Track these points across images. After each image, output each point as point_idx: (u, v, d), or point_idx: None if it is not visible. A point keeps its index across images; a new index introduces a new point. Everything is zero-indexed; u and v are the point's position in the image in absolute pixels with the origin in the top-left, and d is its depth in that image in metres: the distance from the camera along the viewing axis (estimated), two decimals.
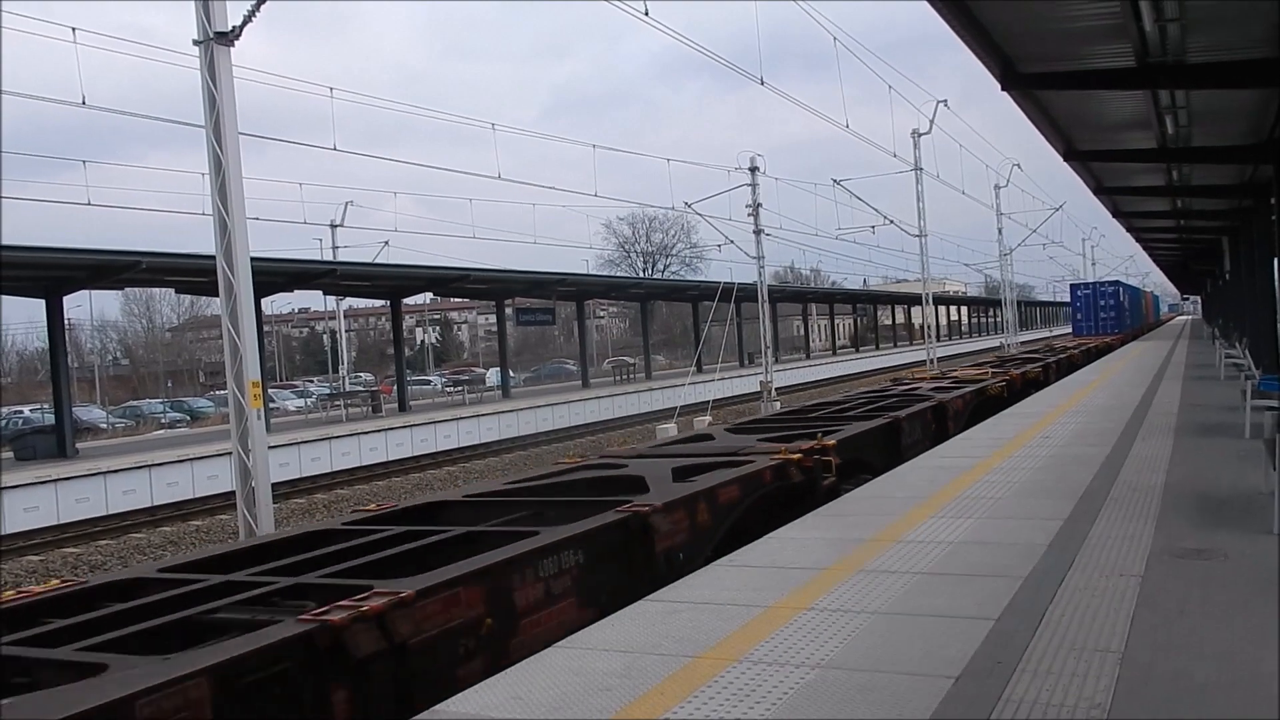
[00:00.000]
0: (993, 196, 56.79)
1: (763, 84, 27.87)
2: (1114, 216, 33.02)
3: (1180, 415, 15.59)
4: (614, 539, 7.16)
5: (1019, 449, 12.73)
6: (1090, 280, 69.61)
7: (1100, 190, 25.02)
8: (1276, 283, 19.26)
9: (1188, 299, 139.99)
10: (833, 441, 11.09)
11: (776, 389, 39.60)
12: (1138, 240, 46.76)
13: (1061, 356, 31.16)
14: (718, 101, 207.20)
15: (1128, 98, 15.18)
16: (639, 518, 7.41)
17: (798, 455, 10.23)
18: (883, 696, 4.57)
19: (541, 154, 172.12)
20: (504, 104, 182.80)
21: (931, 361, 39.12)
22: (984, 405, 17.44)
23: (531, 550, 6.33)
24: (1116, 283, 58.28)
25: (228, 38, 11.13)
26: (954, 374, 23.99)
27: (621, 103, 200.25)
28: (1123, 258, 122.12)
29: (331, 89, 36.73)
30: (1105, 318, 53.57)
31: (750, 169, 38.19)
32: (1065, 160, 19.10)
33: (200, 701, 4.25)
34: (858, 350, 79.39)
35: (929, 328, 46.07)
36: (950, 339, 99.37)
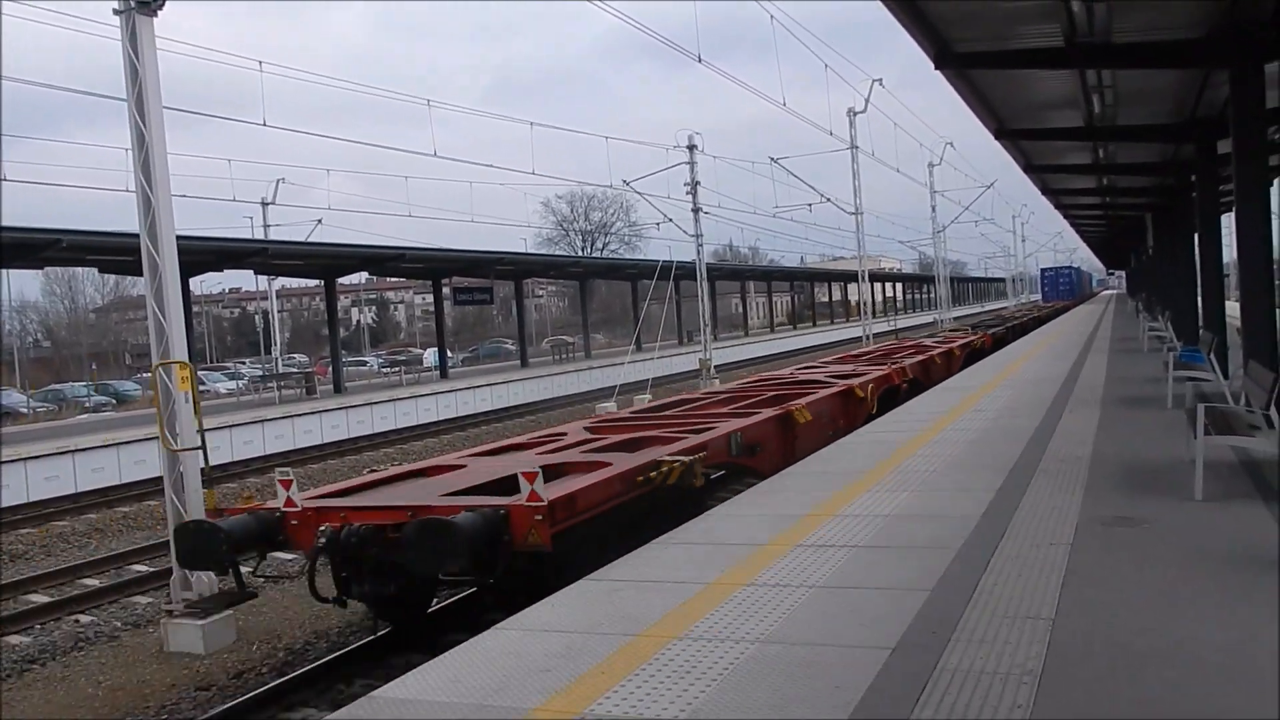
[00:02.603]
0: (927, 175, 57.58)
1: (700, 61, 27.86)
2: (1043, 194, 33.58)
3: (1106, 387, 15.96)
4: None
5: (954, 421, 12.95)
6: (1052, 265, 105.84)
7: (1030, 168, 25.42)
8: (1198, 258, 19.74)
9: (1113, 274, 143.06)
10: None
11: (715, 366, 39.78)
12: (1065, 217, 47.69)
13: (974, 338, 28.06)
14: (661, 83, 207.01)
15: (1057, 77, 15.42)
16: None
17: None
18: (822, 670, 4.63)
19: (481, 133, 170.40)
20: (448, 84, 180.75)
21: (867, 338, 39.56)
22: (888, 396, 16.88)
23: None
24: (1070, 266, 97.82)
25: (150, 7, 10.83)
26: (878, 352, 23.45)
27: (565, 84, 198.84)
28: (1051, 234, 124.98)
29: (260, 63, 35.75)
30: (1064, 289, 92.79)
31: (689, 147, 38.20)
32: (996, 139, 19.36)
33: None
34: (795, 327, 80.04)
35: (865, 305, 46.55)
36: (886, 315, 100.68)
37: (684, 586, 6.16)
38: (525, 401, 35.92)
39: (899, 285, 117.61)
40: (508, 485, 8.09)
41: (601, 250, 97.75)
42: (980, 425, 12.50)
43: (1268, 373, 8.38)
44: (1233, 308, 14.39)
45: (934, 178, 57.69)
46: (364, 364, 57.55)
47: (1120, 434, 11.07)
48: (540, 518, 7.25)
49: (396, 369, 41.96)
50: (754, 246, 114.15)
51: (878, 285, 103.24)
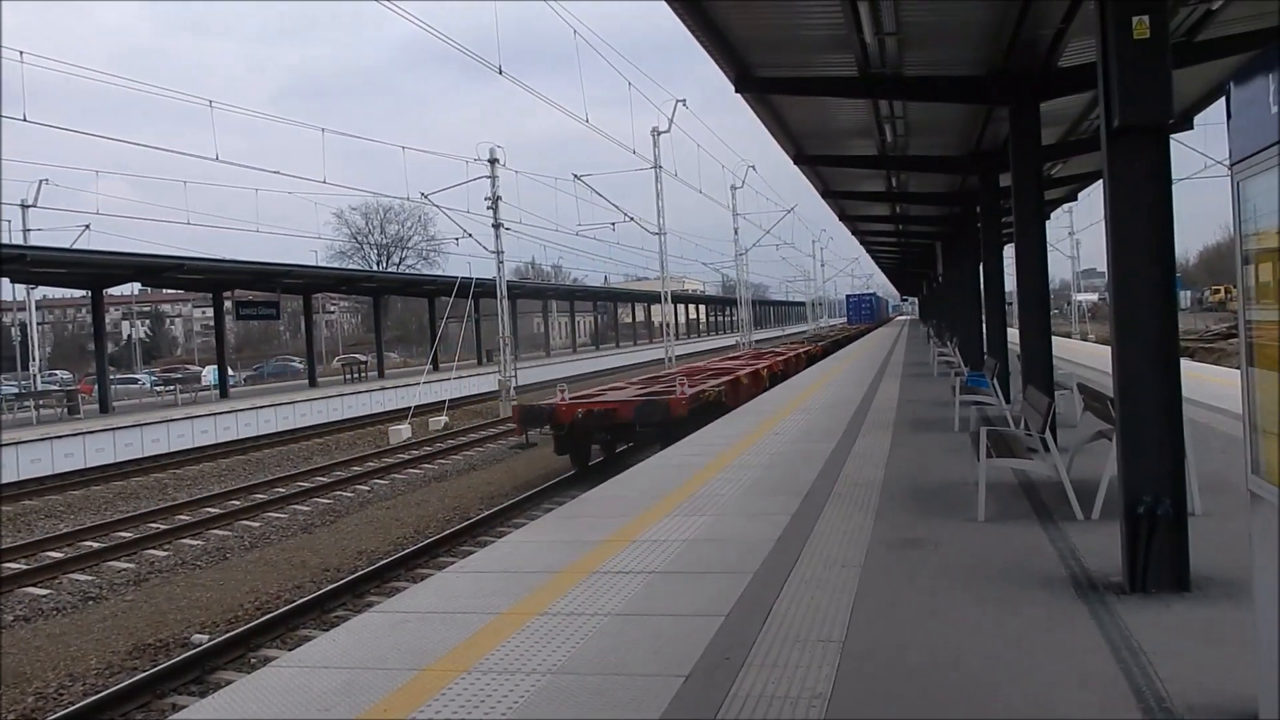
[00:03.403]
0: (729, 197, 59.14)
1: (501, 73, 27.77)
2: (841, 220, 35.14)
3: (899, 411, 16.78)
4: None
5: (752, 445, 13.30)
6: (857, 292, 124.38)
7: (828, 194, 26.55)
8: (982, 287, 21.04)
9: (907, 300, 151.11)
10: None
11: (516, 387, 39.62)
12: (862, 243, 50.03)
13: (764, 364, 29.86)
14: (462, 94, 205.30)
15: (852, 106, 16.18)
16: None
17: None
18: (615, 699, 4.63)
19: (269, 137, 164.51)
20: (235, 85, 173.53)
21: (670, 359, 40.24)
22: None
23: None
24: (871, 294, 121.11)
25: None
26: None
27: (362, 90, 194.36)
28: (849, 259, 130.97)
29: (22, 53, 32.85)
30: (865, 313, 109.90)
31: (490, 160, 38.01)
32: (795, 163, 20.13)
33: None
34: (598, 348, 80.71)
35: (668, 326, 47.38)
36: (689, 337, 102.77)
37: (474, 617, 6.05)
38: (313, 423, 34.73)
39: (702, 307, 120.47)
40: (651, 395, 20.31)
41: (398, 265, 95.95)
42: (778, 449, 12.89)
43: (1043, 397, 9.00)
44: (1015, 334, 15.44)
45: (736, 200, 59.32)
46: (135, 382, 54.39)
47: (910, 457, 11.64)
48: (683, 402, 18.69)
49: (172, 388, 39.79)
50: (557, 265, 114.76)
51: (681, 306, 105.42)
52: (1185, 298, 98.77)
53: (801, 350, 38.78)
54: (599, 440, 20.45)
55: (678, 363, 39.38)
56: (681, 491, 10.06)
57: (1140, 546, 5.75)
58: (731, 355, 39.89)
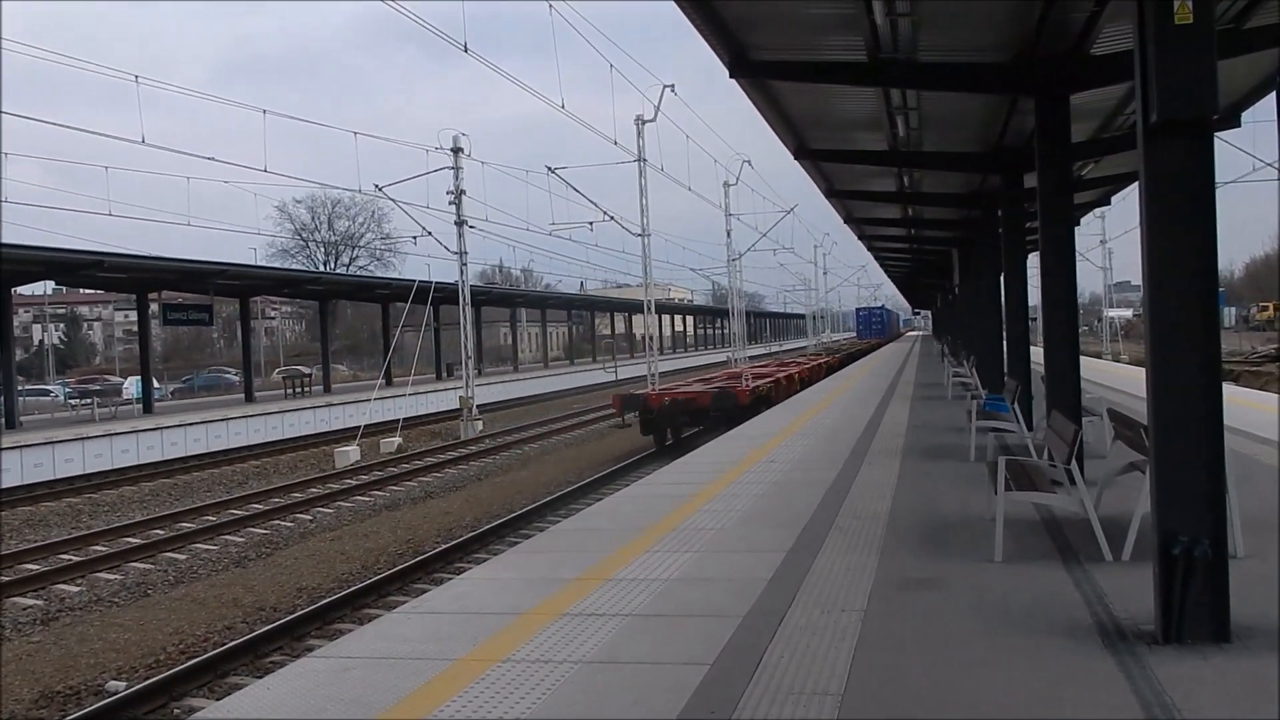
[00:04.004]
0: (722, 195, 59.27)
1: (467, 51, 27.76)
2: (846, 223, 35.27)
3: (908, 437, 16.83)
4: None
5: (744, 473, 13.31)
6: (868, 305, 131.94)
7: (831, 193, 26.66)
8: (1003, 300, 21.14)
9: (919, 313, 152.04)
10: None
11: (478, 406, 39.56)
12: (869, 249, 50.22)
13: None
14: (424, 75, 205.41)
15: (860, 95, 16.25)
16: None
17: None
18: None
19: (204, 119, 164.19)
20: (166, 59, 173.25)
21: (653, 377, 40.19)
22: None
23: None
24: (882, 307, 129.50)
25: None
26: None
27: (311, 69, 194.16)
28: (854, 267, 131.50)
29: None
30: (876, 327, 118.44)
31: (453, 150, 37.98)
32: (796, 159, 20.19)
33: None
34: (573, 363, 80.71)
35: (651, 339, 47.31)
36: (675, 351, 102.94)
37: (427, 664, 6.02)
38: (249, 443, 34.56)
39: (689, 318, 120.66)
40: (723, 387, 30.04)
41: (348, 266, 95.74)
42: (773, 477, 12.91)
43: (1069, 424, 9.03)
44: (1039, 353, 15.48)
45: (730, 198, 59.43)
46: (47, 394, 54.06)
47: (920, 488, 11.67)
48: (745, 393, 28.04)
49: (88, 401, 39.53)
50: (527, 268, 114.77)
51: (666, 317, 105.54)
52: (1229, 315, 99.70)
53: (821, 361, 48.72)
54: (680, 423, 29.46)
55: (661, 380, 39.45)
56: (665, 523, 10.05)
57: (1175, 592, 5.77)
58: (759, 364, 50.46)
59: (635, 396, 29.66)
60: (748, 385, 29.69)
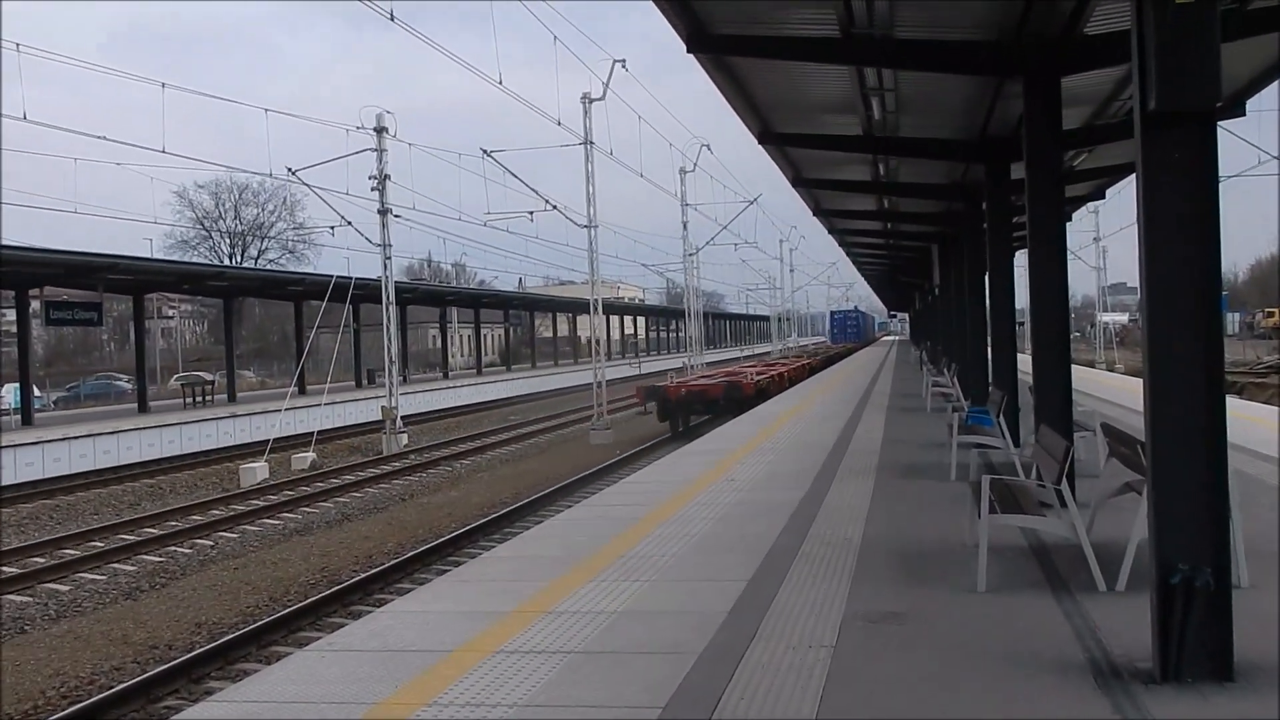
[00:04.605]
0: (677, 183, 59.39)
1: (393, 20, 27.66)
2: (815, 215, 35.44)
3: (882, 453, 16.95)
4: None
5: (699, 494, 13.34)
6: (842, 308, 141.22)
7: (799, 181, 26.77)
8: (987, 302, 21.33)
9: (895, 316, 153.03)
10: None
11: (403, 417, 39.38)
12: (841, 245, 50.45)
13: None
14: (345, 46, 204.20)
15: (832, 75, 16.35)
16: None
17: None
18: None
19: (94, 93, 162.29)
20: (50, 25, 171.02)
21: (600, 384, 40.21)
22: None
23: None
24: (857, 310, 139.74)
25: None
26: None
27: (217, 38, 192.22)
28: (824, 264, 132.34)
29: None
30: (851, 331, 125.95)
31: (377, 130, 37.80)
32: (760, 143, 20.26)
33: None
34: (510, 369, 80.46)
35: (598, 342, 47.32)
36: (625, 356, 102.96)
37: (343, 709, 5.99)
38: (142, 459, 34.16)
39: (641, 319, 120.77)
40: (732, 379, 40.24)
41: (257, 260, 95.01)
42: (732, 498, 12.95)
43: (1059, 440, 9.13)
44: (1026, 361, 15.59)
45: (687, 186, 59.58)
46: None
47: (896, 510, 11.75)
48: (750, 385, 37.55)
49: None
50: (459, 263, 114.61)
51: (614, 318, 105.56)
52: (1233, 321, 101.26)
53: (803, 362, 58.89)
54: (694, 411, 37.98)
55: (607, 388, 39.79)
56: (612, 549, 10.05)
57: (1174, 625, 5.84)
58: (744, 364, 59.93)
59: (656, 388, 40.09)
60: (752, 380, 39.59)
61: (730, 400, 35.98)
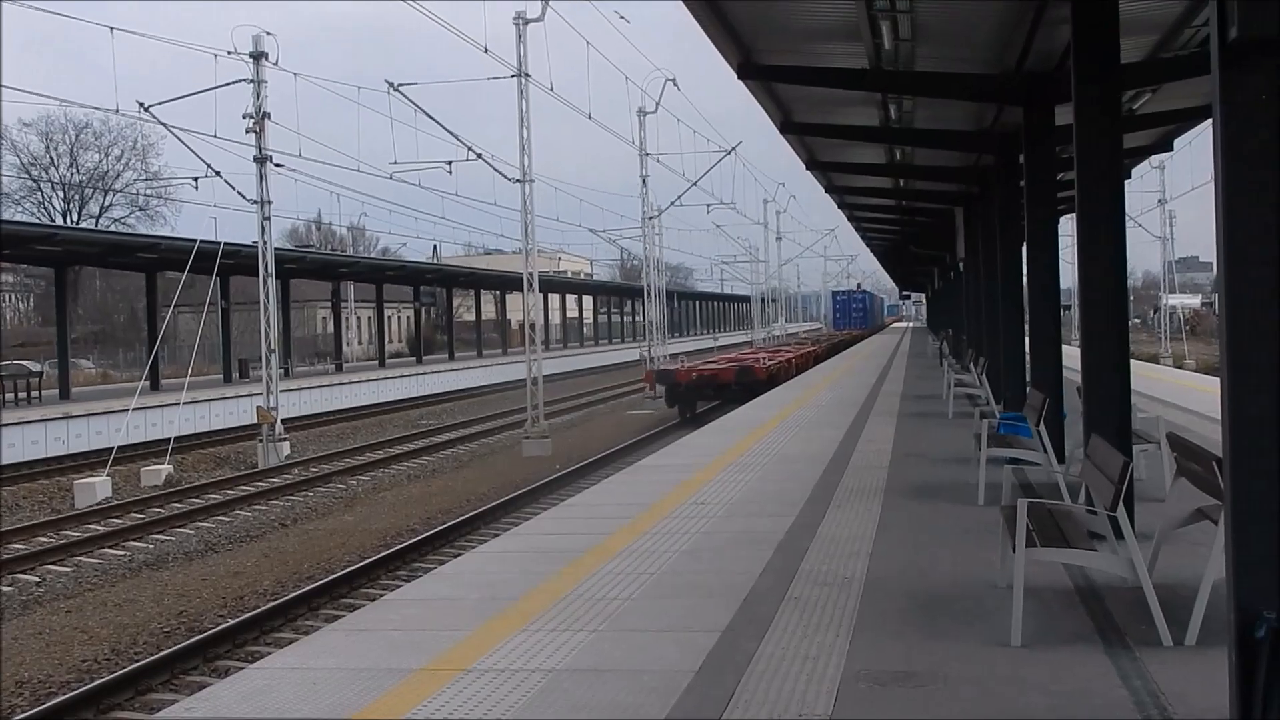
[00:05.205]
0: (635, 126, 59.32)
1: None
2: (808, 168, 35.40)
3: (892, 470, 16.98)
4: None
5: (659, 522, 13.31)
6: (845, 288, 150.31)
7: (789, 127, 26.77)
8: (1025, 277, 21.34)
9: (908, 297, 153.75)
10: None
11: (286, 421, 39.15)
12: (840, 206, 50.51)
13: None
14: None
15: None
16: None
17: None
18: None
19: None
20: None
21: (535, 380, 40.05)
22: None
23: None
24: (863, 291, 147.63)
25: None
26: None
27: None
28: (821, 231, 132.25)
29: None
30: (856, 316, 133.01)
31: (253, 55, 37.50)
32: (740, 78, 20.22)
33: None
34: (421, 360, 79.99)
35: (535, 327, 47.11)
36: (567, 344, 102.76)
37: None
38: None
39: (588, 299, 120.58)
40: (744, 364, 50.66)
41: (98, 218, 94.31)
42: (702, 526, 12.93)
43: (1115, 455, 9.13)
44: (1074, 355, 15.53)
45: (646, 131, 59.52)
46: None
47: (908, 543, 11.77)
48: (762, 370, 47.61)
49: None
50: (357, 225, 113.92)
51: (555, 297, 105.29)
52: None
53: (809, 349, 68.03)
54: (704, 396, 45.99)
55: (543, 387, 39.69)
56: (549, 589, 10.00)
57: (1258, 688, 5.85)
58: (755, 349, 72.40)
59: (666, 372, 49.41)
60: (764, 364, 48.82)
61: (741, 385, 43.94)
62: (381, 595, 11.05)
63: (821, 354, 68.60)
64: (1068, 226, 45.83)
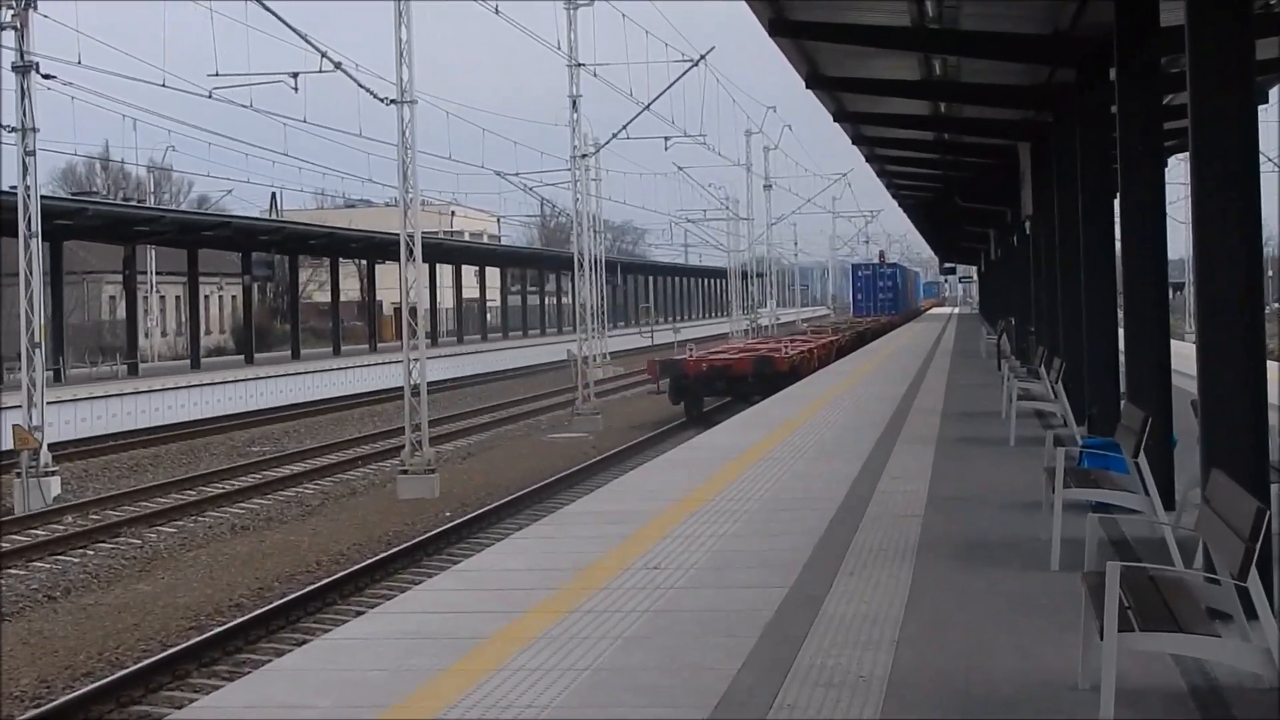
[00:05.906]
0: (561, 23, 59.16)
1: None
2: (809, 86, 35.52)
3: (929, 517, 16.97)
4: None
5: (593, 595, 13.28)
6: (871, 261, 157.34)
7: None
8: (1118, 241, 21.26)
9: (952, 271, 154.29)
10: None
11: (55, 447, 38.98)
12: (858, 144, 50.46)
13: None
14: None
15: None
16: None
17: None
18: None
19: None
20: None
21: (417, 389, 39.96)
22: None
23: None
24: (893, 264, 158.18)
25: None
26: None
27: None
28: (828, 176, 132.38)
29: None
30: (884, 298, 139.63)
31: None
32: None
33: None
34: (252, 359, 79.73)
35: (418, 314, 46.96)
36: (463, 338, 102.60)
37: None
38: None
39: (496, 273, 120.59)
40: (760, 353, 67.75)
41: None
42: (655, 601, 12.88)
43: (1247, 499, 9.07)
44: (1185, 351, 15.37)
45: (578, 31, 59.41)
46: None
47: (953, 624, 11.72)
48: (786, 361, 62.69)
49: None
50: (161, 164, 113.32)
51: (448, 268, 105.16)
52: None
53: (831, 339, 79.99)
54: (715, 391, 56.76)
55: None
56: (428, 697, 9.91)
57: None
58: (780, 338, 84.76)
59: (672, 362, 57.67)
60: (787, 354, 58.00)
61: (760, 378, 54.34)
62: (190, 703, 10.90)
63: (845, 345, 79.03)
64: (1176, 175, 46.01)
